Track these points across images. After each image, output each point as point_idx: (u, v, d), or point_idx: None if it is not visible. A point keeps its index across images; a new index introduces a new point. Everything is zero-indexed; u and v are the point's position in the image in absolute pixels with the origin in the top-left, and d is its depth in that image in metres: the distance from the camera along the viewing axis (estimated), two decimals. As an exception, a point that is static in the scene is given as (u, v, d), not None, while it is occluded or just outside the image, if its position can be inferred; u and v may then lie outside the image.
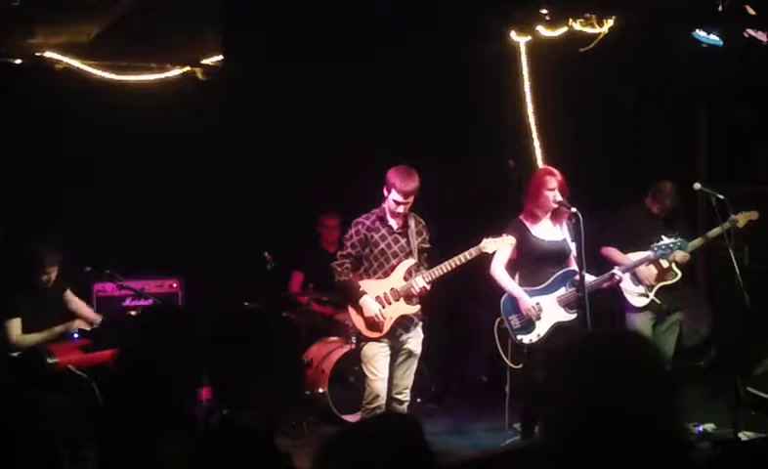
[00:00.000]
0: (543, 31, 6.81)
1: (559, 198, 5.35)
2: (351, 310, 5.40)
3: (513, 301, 5.52)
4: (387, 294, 5.31)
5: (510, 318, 5.52)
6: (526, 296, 5.47)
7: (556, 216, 5.49)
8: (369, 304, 5.28)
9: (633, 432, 1.61)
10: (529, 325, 5.48)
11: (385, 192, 5.30)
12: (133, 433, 2.66)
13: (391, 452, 1.69)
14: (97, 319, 5.77)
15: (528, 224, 5.53)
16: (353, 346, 6.07)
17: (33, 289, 5.63)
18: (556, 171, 5.50)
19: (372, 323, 5.29)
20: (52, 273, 5.66)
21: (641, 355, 1.73)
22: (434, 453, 1.76)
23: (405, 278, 5.34)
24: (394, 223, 5.35)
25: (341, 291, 5.56)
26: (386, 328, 5.31)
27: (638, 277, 6.11)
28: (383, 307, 5.30)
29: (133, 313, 6.08)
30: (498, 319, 5.58)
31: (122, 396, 2.88)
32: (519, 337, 5.50)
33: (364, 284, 5.34)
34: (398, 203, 5.23)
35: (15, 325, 5.56)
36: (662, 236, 5.90)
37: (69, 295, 5.83)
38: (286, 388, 2.39)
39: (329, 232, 7.28)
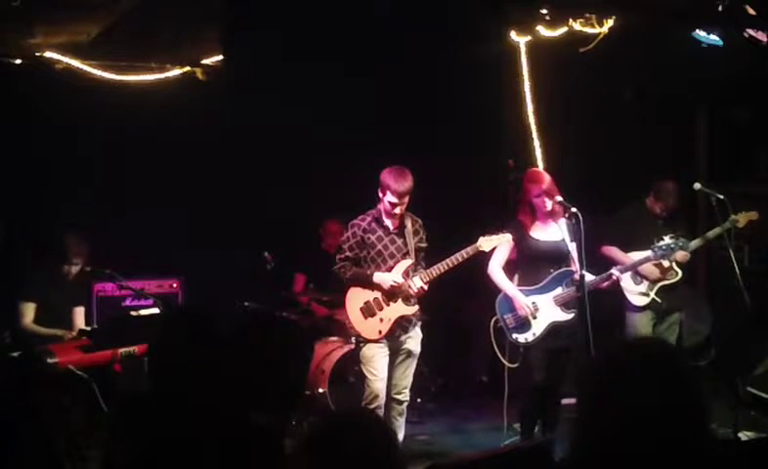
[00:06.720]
0: (543, 31, 6.80)
1: (559, 199, 5.33)
2: (348, 312, 5.39)
3: (508, 300, 5.51)
4: (385, 296, 5.31)
5: (505, 316, 5.51)
6: (520, 295, 5.46)
7: (552, 215, 5.47)
8: (384, 276, 5.27)
9: (669, 426, 1.74)
10: (524, 325, 5.46)
11: (380, 194, 5.29)
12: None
13: (363, 450, 1.77)
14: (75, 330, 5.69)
15: (526, 224, 5.52)
16: (353, 346, 6.07)
17: (54, 278, 5.62)
18: (540, 176, 5.47)
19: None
20: (75, 265, 5.65)
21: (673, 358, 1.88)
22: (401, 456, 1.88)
23: (403, 279, 5.34)
24: (390, 223, 5.35)
25: (356, 282, 5.44)
26: (385, 329, 5.31)
27: (641, 276, 6.11)
28: (381, 310, 5.30)
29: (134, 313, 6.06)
30: (494, 319, 5.58)
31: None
32: (514, 336, 5.49)
33: (357, 291, 5.34)
34: (393, 205, 5.22)
35: (28, 310, 5.58)
36: (663, 237, 5.90)
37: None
38: (299, 391, 2.43)
39: (333, 237, 7.15)
